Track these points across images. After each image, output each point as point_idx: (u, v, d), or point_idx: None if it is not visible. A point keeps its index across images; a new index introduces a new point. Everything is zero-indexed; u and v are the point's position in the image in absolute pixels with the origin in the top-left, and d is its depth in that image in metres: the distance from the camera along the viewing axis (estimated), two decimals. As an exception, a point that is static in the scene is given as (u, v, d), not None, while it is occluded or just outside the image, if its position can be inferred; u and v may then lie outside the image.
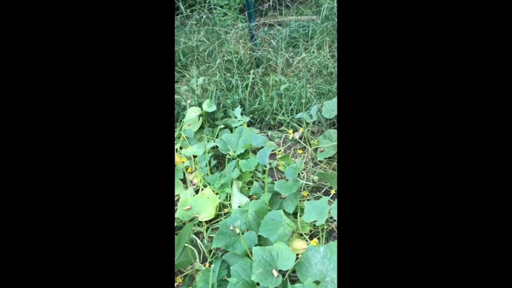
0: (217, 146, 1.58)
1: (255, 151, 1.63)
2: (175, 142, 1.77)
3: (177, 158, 1.71)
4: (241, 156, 1.56)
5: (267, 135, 1.86)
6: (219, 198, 1.35)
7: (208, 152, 1.59)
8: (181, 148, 1.74)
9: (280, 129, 1.92)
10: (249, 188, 1.44)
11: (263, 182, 1.43)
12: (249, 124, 1.95)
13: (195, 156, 1.65)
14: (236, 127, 1.72)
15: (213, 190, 1.41)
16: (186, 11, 2.29)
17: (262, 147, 1.58)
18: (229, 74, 2.14)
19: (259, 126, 1.98)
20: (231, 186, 1.40)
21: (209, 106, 1.75)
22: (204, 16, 2.25)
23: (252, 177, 1.49)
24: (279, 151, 1.73)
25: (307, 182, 1.50)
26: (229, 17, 2.44)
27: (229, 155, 1.54)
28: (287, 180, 1.35)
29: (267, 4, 2.35)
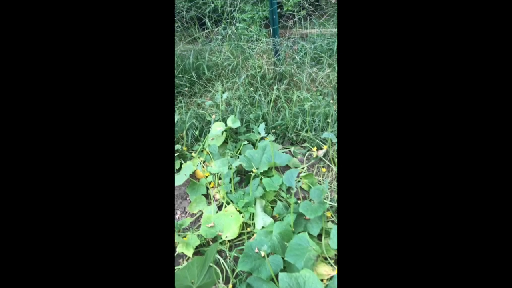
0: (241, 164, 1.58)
1: (278, 168, 1.62)
2: (199, 156, 1.78)
3: (200, 172, 1.72)
4: (265, 173, 1.55)
5: (290, 151, 1.85)
6: (242, 217, 1.34)
7: (230, 168, 1.59)
8: (204, 162, 1.75)
9: (303, 145, 1.91)
10: (272, 207, 1.43)
11: (287, 202, 1.42)
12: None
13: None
14: (258, 142, 1.71)
15: (236, 208, 1.41)
16: (212, 27, 2.33)
17: (286, 165, 1.57)
18: (252, 89, 2.16)
19: (281, 141, 1.97)
20: (255, 205, 1.39)
21: (233, 122, 1.76)
22: (229, 32, 2.29)
23: (275, 196, 1.48)
24: (302, 168, 1.72)
25: (331, 203, 1.48)
26: (253, 32, 2.47)
27: (253, 172, 1.54)
28: (312, 201, 1.33)
29: (292, 20, 2.36)
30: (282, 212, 1.35)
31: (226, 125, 1.78)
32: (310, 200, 1.37)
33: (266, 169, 1.51)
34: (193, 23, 2.37)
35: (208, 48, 2.33)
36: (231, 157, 1.68)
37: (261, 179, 1.48)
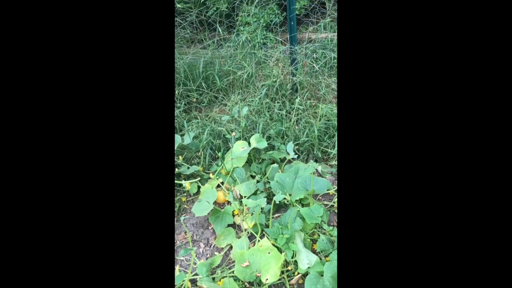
0: (268, 187, 1.43)
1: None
2: (218, 177, 1.61)
3: (222, 196, 1.55)
4: (299, 201, 1.40)
5: (316, 169, 1.71)
6: (284, 255, 1.19)
7: (260, 192, 1.44)
8: (222, 183, 1.58)
9: (329, 163, 1.77)
10: (312, 241, 1.29)
11: (330, 235, 1.28)
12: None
13: (242, 196, 1.49)
14: (285, 164, 1.56)
15: (272, 243, 1.25)
16: (223, 33, 2.15)
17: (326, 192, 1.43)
18: (269, 100, 2.00)
19: (305, 158, 1.82)
20: (295, 239, 1.24)
21: (258, 141, 1.59)
22: (243, 38, 2.12)
23: (314, 227, 1.33)
24: (335, 190, 1.58)
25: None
26: (269, 40, 2.30)
27: (286, 200, 1.39)
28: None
29: (312, 27, 2.21)
30: (327, 248, 1.21)
31: (249, 143, 1.61)
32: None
33: (302, 196, 1.36)
34: (203, 29, 2.18)
35: (219, 55, 2.15)
36: (258, 181, 1.52)
37: (298, 209, 1.33)
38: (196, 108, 2.10)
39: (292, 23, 1.99)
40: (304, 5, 2.71)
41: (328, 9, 2.41)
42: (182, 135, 1.76)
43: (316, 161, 1.80)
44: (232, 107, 1.87)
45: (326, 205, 1.48)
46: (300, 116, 1.89)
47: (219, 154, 1.60)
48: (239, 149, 1.57)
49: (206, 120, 1.85)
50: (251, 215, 1.39)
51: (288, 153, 1.54)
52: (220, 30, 2.14)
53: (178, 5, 1.90)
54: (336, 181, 1.63)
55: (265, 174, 1.59)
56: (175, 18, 2.08)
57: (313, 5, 2.41)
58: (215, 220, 1.44)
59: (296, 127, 1.84)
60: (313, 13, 2.37)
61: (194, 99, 2.09)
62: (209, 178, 1.66)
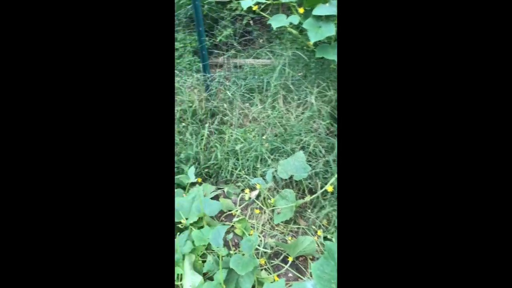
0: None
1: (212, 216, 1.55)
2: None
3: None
4: (195, 224, 1.46)
5: (223, 191, 1.80)
6: (169, 279, 1.23)
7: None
8: None
9: (237, 184, 1.87)
10: (203, 262, 1.35)
11: (218, 257, 1.35)
12: (204, 179, 1.87)
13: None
14: (188, 188, 1.63)
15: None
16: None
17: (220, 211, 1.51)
18: (183, 125, 2.07)
19: (215, 181, 1.91)
20: (183, 262, 1.30)
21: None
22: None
23: (206, 248, 1.40)
24: (236, 211, 1.67)
25: (265, 249, 1.45)
26: (183, 67, 2.40)
27: (181, 223, 1.44)
28: (243, 254, 1.29)
29: (222, 57, 2.36)
30: (213, 268, 1.28)
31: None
32: (241, 253, 1.33)
33: (196, 219, 1.43)
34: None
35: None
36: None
37: (190, 231, 1.39)
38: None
39: (203, 52, 2.12)
40: (229, 34, 2.87)
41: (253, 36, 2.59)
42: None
43: (226, 182, 1.89)
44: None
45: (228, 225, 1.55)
46: (210, 140, 1.99)
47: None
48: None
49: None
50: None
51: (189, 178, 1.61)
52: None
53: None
54: (239, 201, 1.73)
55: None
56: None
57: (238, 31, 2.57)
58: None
59: (205, 152, 1.93)
60: (235, 39, 2.53)
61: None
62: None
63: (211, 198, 1.61)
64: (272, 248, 1.47)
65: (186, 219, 1.46)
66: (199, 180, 1.81)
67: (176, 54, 2.75)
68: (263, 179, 1.63)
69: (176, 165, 1.85)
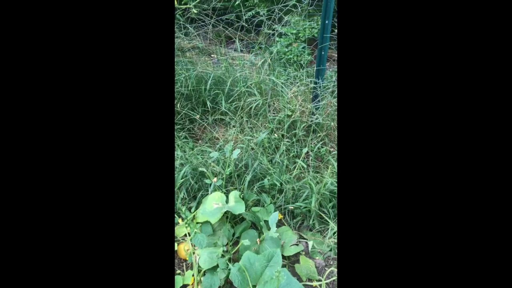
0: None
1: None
2: (187, 225, 1.34)
3: (182, 249, 1.29)
4: (263, 296, 1.08)
5: (306, 242, 1.37)
6: None
7: (220, 270, 1.14)
8: (189, 233, 1.30)
9: (326, 236, 1.42)
10: None
11: None
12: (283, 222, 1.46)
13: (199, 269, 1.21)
14: (265, 235, 1.24)
15: None
16: (243, 49, 1.85)
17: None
18: (276, 137, 1.67)
19: (297, 226, 1.48)
20: None
21: (236, 201, 1.28)
22: (274, 50, 1.79)
23: None
24: (319, 281, 1.24)
25: None
26: (292, 68, 1.96)
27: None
28: None
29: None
30: None
31: (227, 200, 1.31)
32: None
33: (267, 293, 1.04)
34: (219, 41, 1.89)
35: (232, 74, 1.85)
36: (222, 254, 1.22)
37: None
38: (200, 124, 1.83)
39: (322, 52, 1.63)
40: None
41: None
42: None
43: (310, 230, 1.45)
44: (228, 133, 1.58)
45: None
46: (304, 168, 1.54)
47: (192, 209, 1.32)
48: (212, 205, 1.28)
49: (192, 151, 1.57)
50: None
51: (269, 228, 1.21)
52: (239, 46, 1.83)
53: (194, 11, 1.63)
54: (325, 267, 1.28)
55: (237, 242, 1.29)
56: (191, 25, 1.82)
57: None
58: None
59: (295, 182, 1.50)
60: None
61: (197, 116, 1.83)
62: (178, 223, 1.40)
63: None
64: None
65: (254, 286, 1.08)
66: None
67: (285, 41, 2.32)
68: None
69: (256, 196, 1.47)
